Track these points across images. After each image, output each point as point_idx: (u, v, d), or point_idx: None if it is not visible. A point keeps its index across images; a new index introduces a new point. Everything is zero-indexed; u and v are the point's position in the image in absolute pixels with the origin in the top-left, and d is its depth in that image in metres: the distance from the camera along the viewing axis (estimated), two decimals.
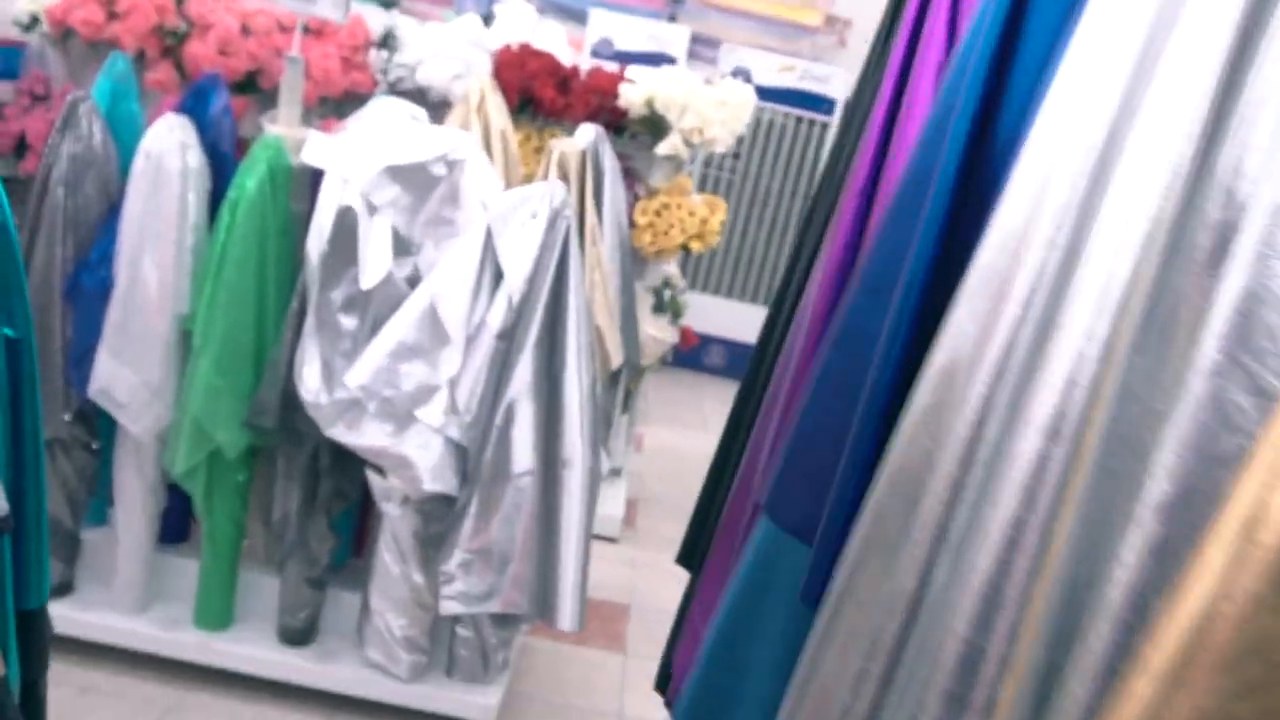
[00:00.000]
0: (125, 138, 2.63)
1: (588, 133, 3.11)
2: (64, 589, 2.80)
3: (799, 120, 6.81)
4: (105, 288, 2.53)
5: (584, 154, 2.95)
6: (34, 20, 3.89)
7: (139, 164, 2.52)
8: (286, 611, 2.80)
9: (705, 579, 1.35)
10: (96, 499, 2.83)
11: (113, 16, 3.82)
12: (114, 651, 2.79)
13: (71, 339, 2.58)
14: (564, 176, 2.86)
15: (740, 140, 5.05)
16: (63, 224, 2.52)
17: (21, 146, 3.92)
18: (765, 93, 6.55)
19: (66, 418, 2.63)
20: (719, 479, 1.43)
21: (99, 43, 3.82)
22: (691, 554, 1.47)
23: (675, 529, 4.47)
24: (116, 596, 2.79)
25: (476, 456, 2.56)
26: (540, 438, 2.57)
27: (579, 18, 6.68)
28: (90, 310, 2.55)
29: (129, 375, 2.55)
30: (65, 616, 2.73)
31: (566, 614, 2.60)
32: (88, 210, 2.55)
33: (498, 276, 2.57)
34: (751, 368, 1.46)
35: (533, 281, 2.54)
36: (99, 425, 2.70)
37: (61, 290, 2.54)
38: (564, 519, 2.59)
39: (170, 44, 3.86)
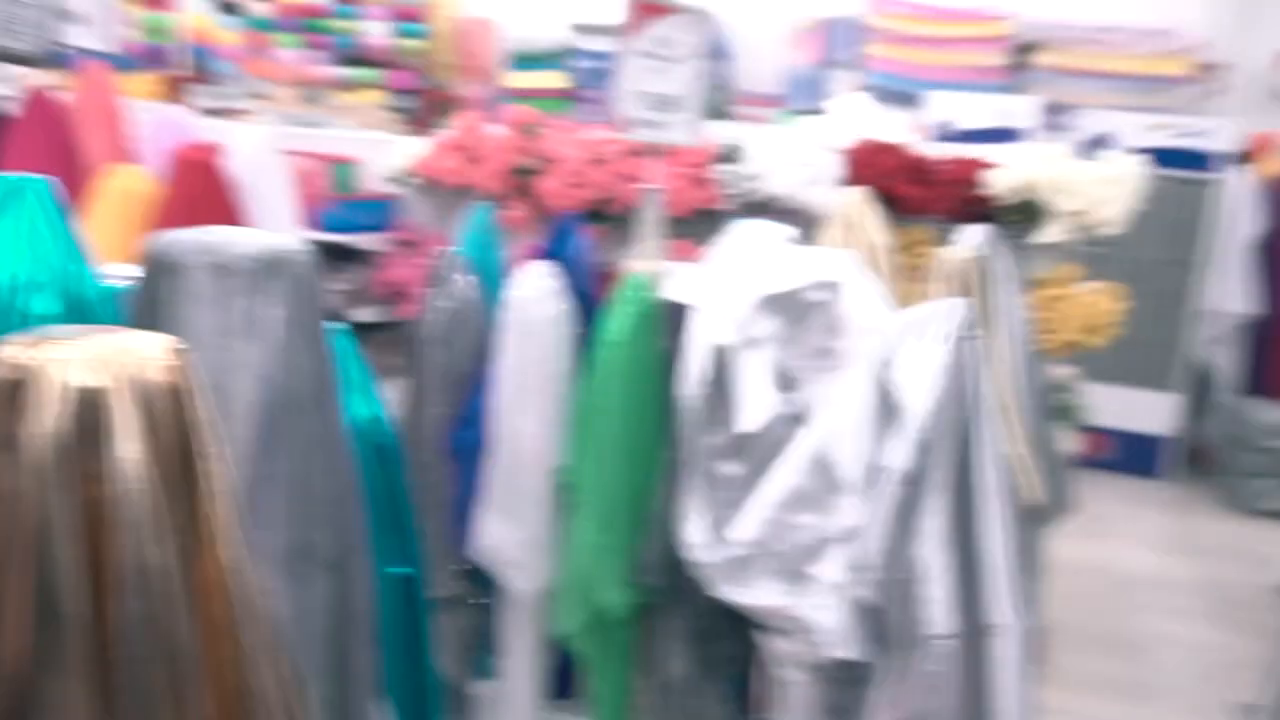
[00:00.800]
0: (492, 287, 2.59)
1: (976, 235, 2.75)
2: None
3: (1176, 181, 6.05)
4: (482, 443, 2.47)
5: (975, 261, 2.59)
6: (405, 173, 4.09)
7: (507, 315, 2.45)
8: None
9: None
10: (485, 654, 2.78)
11: (472, 162, 3.93)
12: None
13: (454, 496, 2.54)
14: (957, 289, 2.52)
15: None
16: (440, 381, 2.49)
17: (397, 293, 4.10)
18: (1133, 155, 5.90)
19: (453, 575, 2.59)
20: None
21: (460, 188, 3.95)
22: None
23: (1098, 665, 3.90)
24: None
25: (884, 618, 2.23)
26: (958, 597, 2.20)
27: (910, 101, 6.34)
28: (470, 466, 2.50)
29: (510, 532, 2.47)
30: None
31: None
32: (462, 365, 2.52)
33: (893, 410, 2.25)
34: None
35: (938, 414, 2.20)
36: (485, 582, 2.64)
37: (442, 448, 2.51)
38: (996, 694, 2.19)
39: (523, 182, 3.91)
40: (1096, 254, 6.46)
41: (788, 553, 2.23)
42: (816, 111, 5.00)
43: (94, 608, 0.64)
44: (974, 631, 2.22)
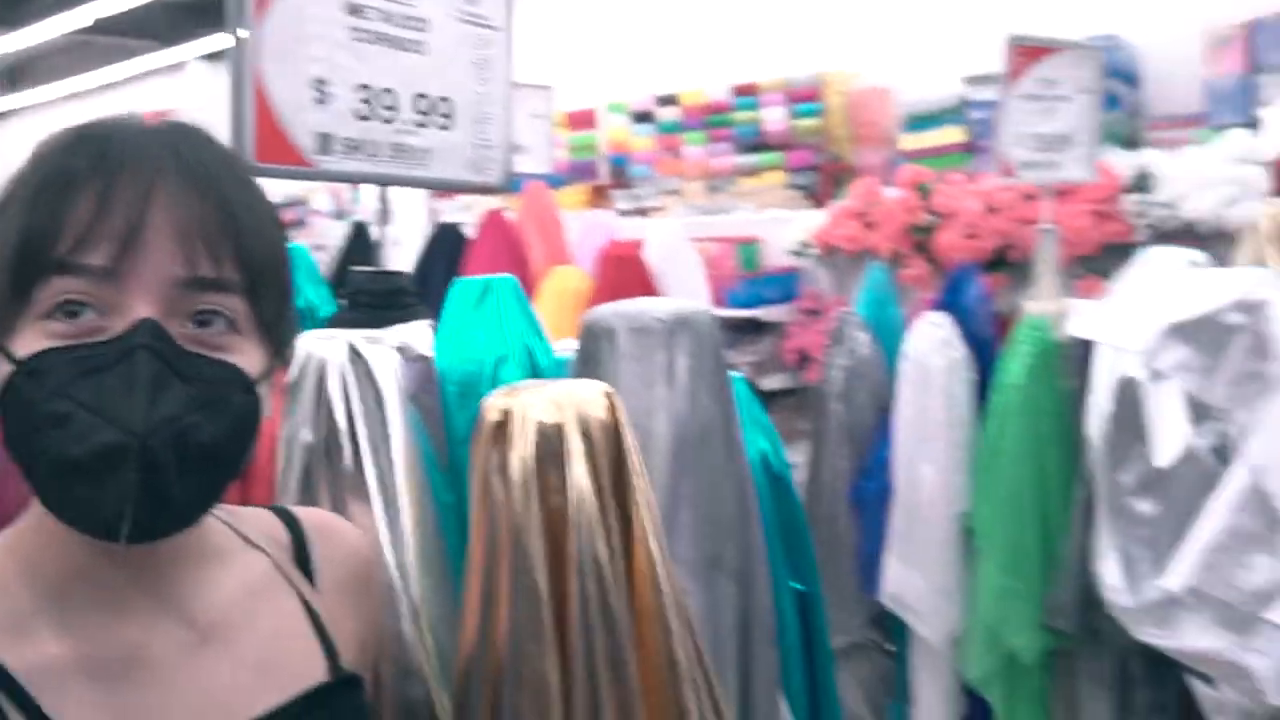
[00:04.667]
0: (890, 343, 2.70)
1: None
2: None
3: None
4: (886, 493, 2.57)
5: None
6: (805, 245, 4.31)
7: (904, 367, 2.55)
8: None
9: None
10: (896, 701, 2.83)
11: (868, 226, 4.07)
12: None
13: (860, 545, 2.64)
14: None
15: None
16: (842, 435, 2.63)
17: (803, 359, 4.30)
18: None
19: (860, 621, 2.68)
20: None
21: (858, 253, 4.10)
22: None
23: None
24: None
25: None
26: None
27: None
28: (874, 516, 2.60)
29: (916, 579, 2.52)
30: None
31: None
32: (862, 419, 2.63)
33: None
34: None
35: None
36: (893, 628, 2.71)
37: (846, 498, 2.63)
38: None
39: (920, 239, 3.99)
40: None
41: (1233, 598, 2.09)
42: (1246, 125, 4.60)
43: (556, 590, 0.85)
44: None
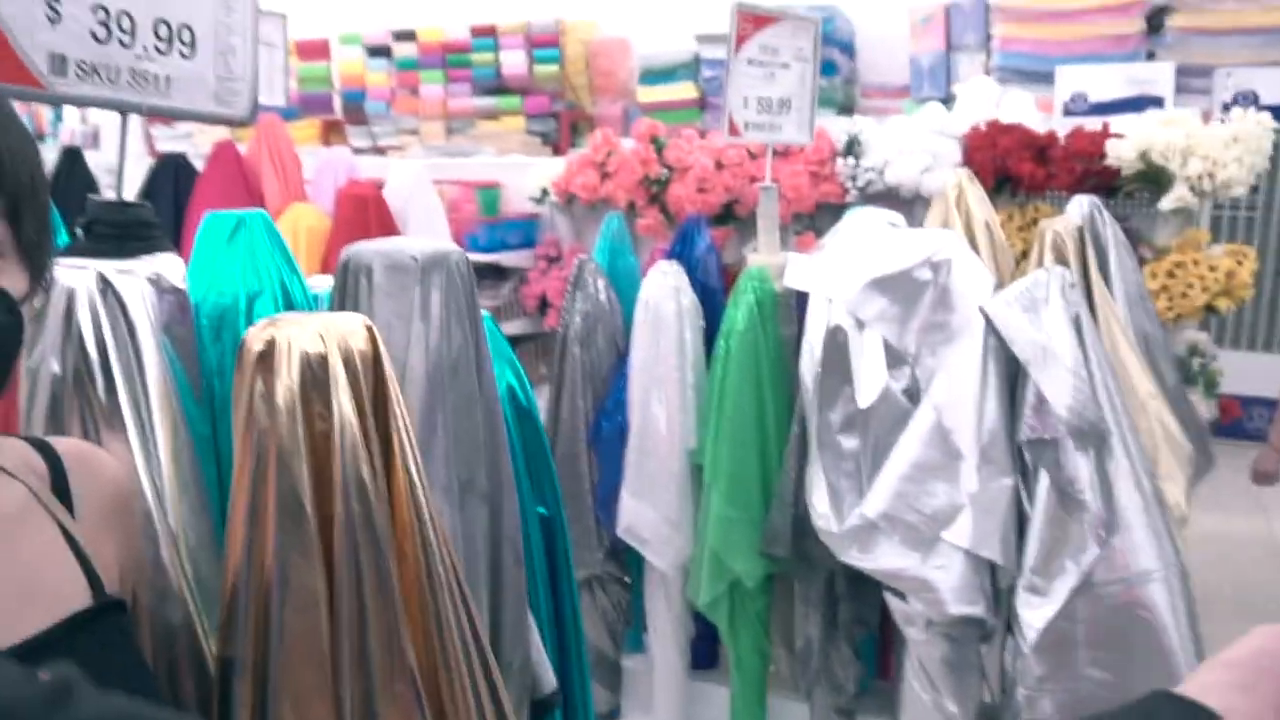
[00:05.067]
0: (626, 289, 2.83)
1: (1080, 205, 2.83)
2: (610, 715, 2.97)
3: None
4: (622, 432, 2.70)
5: (1080, 230, 2.69)
6: (544, 193, 4.39)
7: (639, 313, 2.68)
8: None
9: None
10: (633, 629, 3.00)
11: (605, 177, 4.20)
12: None
13: (597, 482, 2.78)
14: (1060, 258, 2.62)
15: (1258, 174, 4.40)
16: (581, 377, 2.74)
17: (543, 305, 4.40)
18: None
19: (600, 555, 2.82)
20: None
21: (596, 202, 4.22)
22: None
23: (1242, 631, 3.86)
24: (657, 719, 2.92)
25: (1009, 577, 2.35)
26: (1099, 550, 2.30)
27: (1044, 79, 6.27)
28: (611, 454, 2.73)
29: (649, 512, 2.68)
30: None
31: None
32: (601, 362, 2.75)
33: (1006, 377, 2.38)
34: None
35: (1058, 375, 2.31)
36: (629, 560, 2.87)
37: (585, 438, 2.75)
38: (1164, 639, 2.25)
39: (655, 191, 4.15)
40: (1241, 217, 6.28)
41: (918, 522, 2.37)
42: (944, 99, 5.06)
43: (321, 511, 0.89)
44: (1120, 577, 2.29)
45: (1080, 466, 2.28)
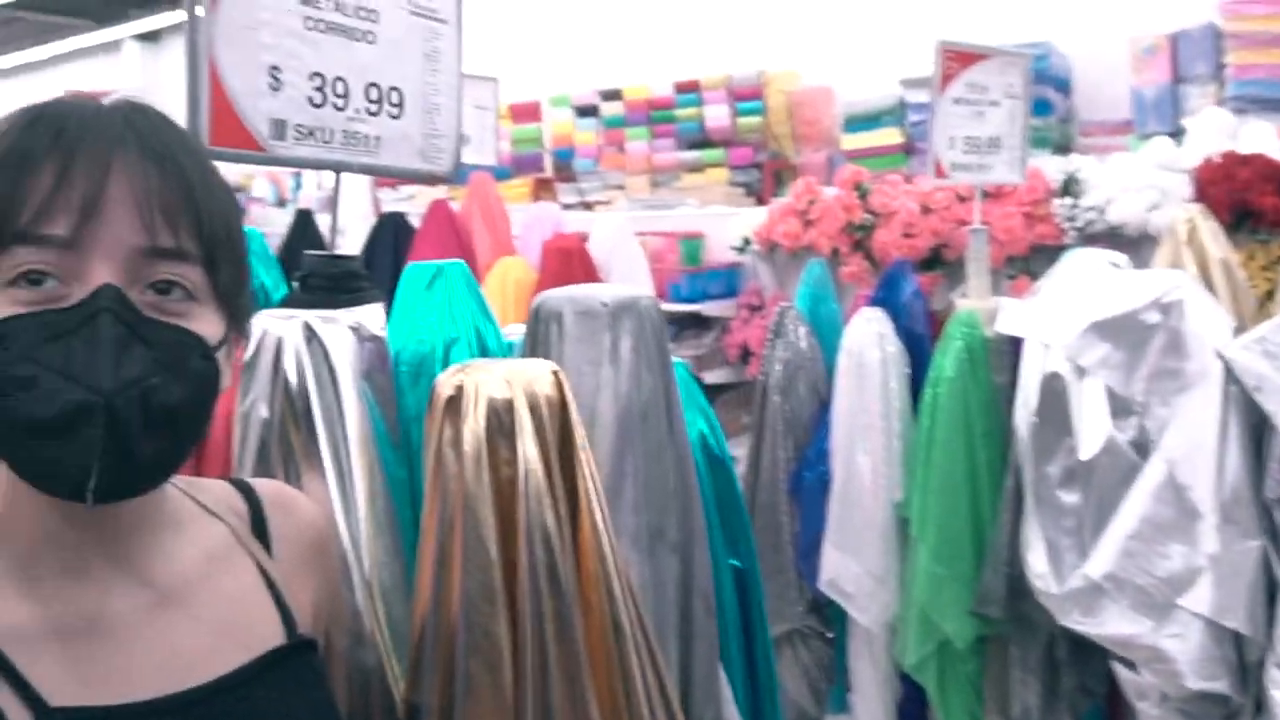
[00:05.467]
0: (828, 337, 2.77)
1: None
2: None
3: None
4: (824, 482, 2.63)
5: None
6: (746, 241, 4.38)
7: (842, 360, 2.62)
8: None
9: None
10: (836, 687, 2.90)
11: (808, 224, 4.15)
12: None
13: (799, 533, 2.71)
14: None
15: None
16: (782, 426, 2.69)
17: (745, 354, 4.37)
18: None
19: (801, 609, 2.74)
20: None
21: (798, 250, 4.18)
22: None
23: None
24: None
25: (1260, 650, 2.13)
26: None
27: None
28: (813, 505, 2.66)
29: (853, 565, 2.59)
30: None
31: None
32: (802, 410, 2.70)
33: (1250, 429, 2.17)
34: None
35: None
36: (832, 615, 2.78)
37: (786, 488, 2.69)
38: None
39: (859, 238, 4.07)
40: None
41: (1150, 585, 2.19)
42: (1172, 133, 4.75)
43: (506, 556, 0.89)
44: None
45: None
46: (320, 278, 1.25)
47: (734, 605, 1.23)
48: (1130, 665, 2.27)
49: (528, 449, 0.90)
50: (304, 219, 3.03)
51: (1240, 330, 2.30)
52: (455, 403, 0.90)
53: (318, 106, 1.33)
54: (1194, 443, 2.20)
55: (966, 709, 2.58)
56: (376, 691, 0.93)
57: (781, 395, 2.69)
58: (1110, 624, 2.23)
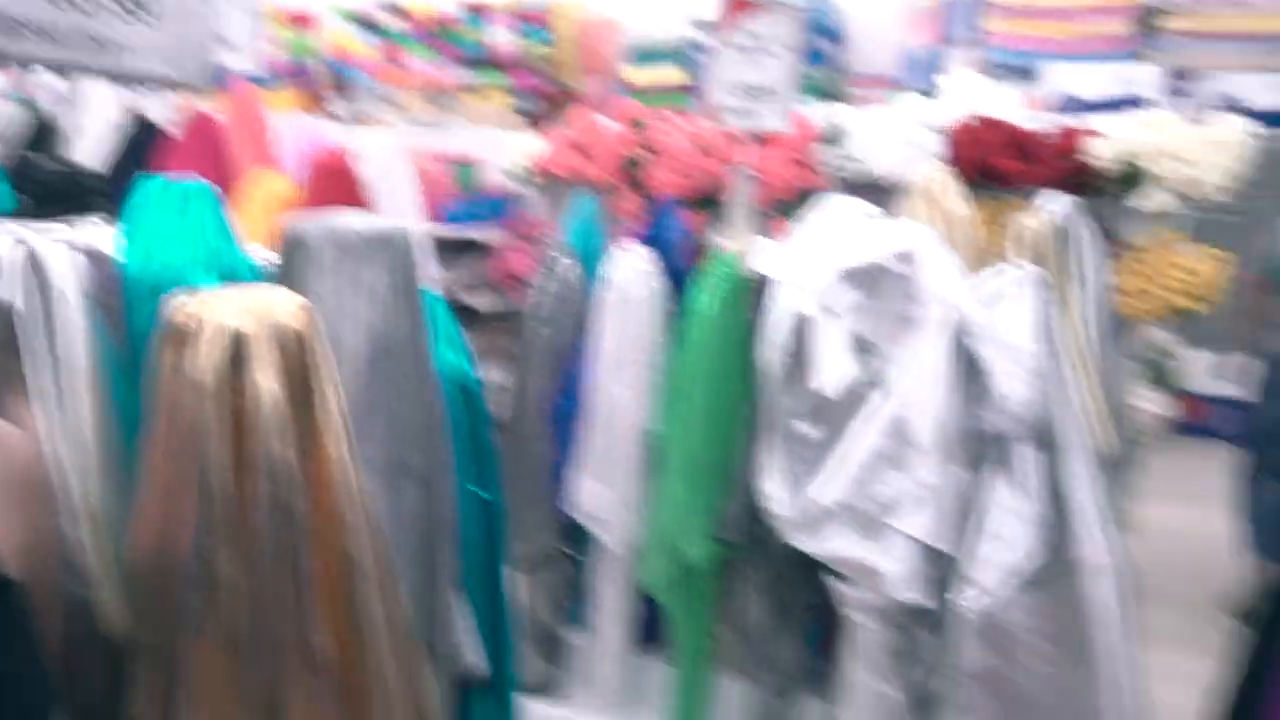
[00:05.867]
0: (596, 271, 2.81)
1: (1057, 203, 2.83)
2: (553, 689, 2.99)
3: None
4: (582, 412, 2.69)
5: (1055, 228, 2.69)
6: (521, 169, 4.36)
7: (606, 294, 2.67)
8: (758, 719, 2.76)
9: None
10: (580, 604, 3.02)
11: (585, 156, 4.17)
12: None
13: (556, 461, 2.77)
14: (1035, 255, 2.62)
15: (1236, 179, 4.40)
16: (546, 356, 2.73)
17: (514, 281, 4.38)
18: (1267, 118, 5.70)
19: (553, 532, 2.83)
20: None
21: (574, 182, 4.19)
22: None
23: (1182, 625, 3.90)
24: (599, 696, 2.94)
25: (958, 567, 2.36)
26: (1044, 543, 2.32)
27: (1034, 76, 6.26)
28: (570, 433, 2.73)
29: (606, 493, 2.68)
30: (556, 716, 2.91)
31: None
32: (566, 342, 2.75)
33: (968, 371, 2.38)
34: None
35: (1022, 371, 2.32)
36: (581, 538, 2.88)
37: (546, 417, 2.74)
38: (1101, 634, 2.28)
39: (634, 173, 4.13)
40: (1209, 220, 6.30)
41: (872, 510, 2.37)
42: (930, 91, 5.04)
43: (238, 490, 0.88)
44: (1063, 571, 2.32)
45: (1030, 463, 2.29)
46: (48, 187, 1.17)
47: (477, 535, 1.26)
48: (848, 581, 2.47)
49: (265, 381, 0.89)
50: (40, 118, 2.79)
51: (969, 281, 2.50)
52: (189, 331, 0.88)
53: (60, 9, 1.23)
54: (919, 382, 2.39)
55: (701, 624, 2.74)
56: (91, 626, 0.91)
57: (546, 325, 2.72)
58: (833, 545, 2.41)
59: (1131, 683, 2.29)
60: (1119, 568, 2.32)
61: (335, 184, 2.97)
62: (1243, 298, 4.40)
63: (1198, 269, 3.58)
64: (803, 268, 2.51)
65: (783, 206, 4.14)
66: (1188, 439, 5.98)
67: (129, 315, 1.14)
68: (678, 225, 2.84)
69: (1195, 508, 5.25)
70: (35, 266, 1.01)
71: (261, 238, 1.52)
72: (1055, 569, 2.35)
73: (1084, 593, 2.31)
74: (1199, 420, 4.58)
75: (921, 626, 2.44)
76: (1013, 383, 2.31)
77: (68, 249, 1.05)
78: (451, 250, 4.27)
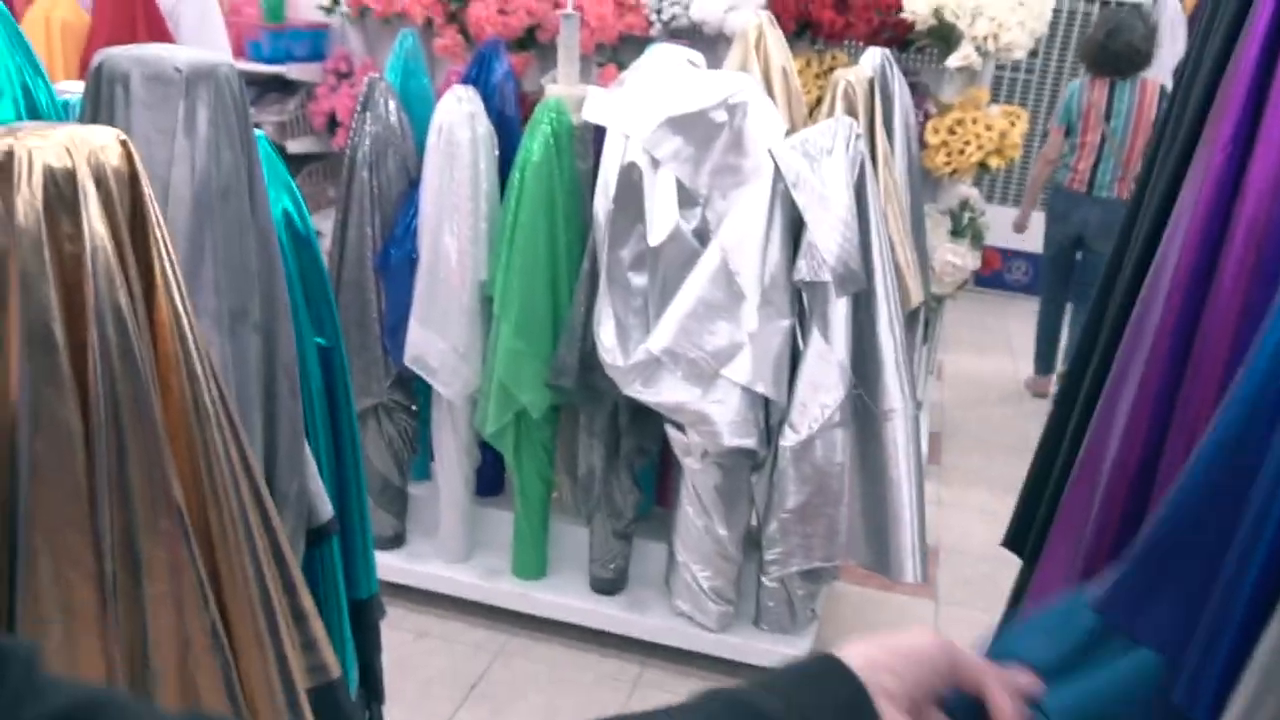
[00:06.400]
0: (419, 112, 2.72)
1: (873, 58, 2.90)
2: (396, 541, 3.02)
3: (1106, 5, 6.12)
4: (411, 260, 2.65)
5: (870, 82, 2.76)
6: (334, 2, 4.11)
7: (432, 138, 2.59)
8: (596, 562, 2.88)
9: (1041, 575, 1.21)
10: (419, 457, 3.02)
11: None
12: (442, 599, 2.98)
13: (385, 311, 2.73)
14: (850, 108, 2.69)
15: (1038, 39, 4.61)
16: (370, 203, 2.64)
17: (332, 123, 4.18)
18: None
19: (386, 384, 2.80)
20: (1054, 453, 1.27)
21: (391, 16, 3.99)
22: (1023, 539, 1.33)
23: (983, 462, 4.28)
24: (441, 546, 2.98)
25: (781, 412, 2.50)
26: (854, 388, 2.47)
27: None
28: (400, 282, 2.68)
29: (438, 342, 2.66)
30: (398, 567, 2.94)
31: (908, 566, 2.50)
32: (390, 187, 2.66)
33: (790, 222, 2.46)
34: (1093, 312, 1.27)
35: (831, 223, 2.41)
36: (416, 389, 2.86)
37: (373, 265, 2.68)
38: (893, 469, 2.47)
39: (454, 9, 3.97)
40: (1015, 80, 6.60)
41: (699, 358, 2.46)
42: None
43: (73, 338, 0.84)
44: (870, 415, 2.49)
45: (838, 310, 2.42)
46: None
47: (319, 382, 1.24)
48: (679, 427, 2.57)
49: (94, 223, 0.84)
50: None
51: (791, 133, 2.56)
52: (4, 170, 0.81)
53: None
54: (744, 233, 2.46)
55: (539, 471, 2.80)
56: None
57: (369, 170, 2.62)
58: (666, 392, 2.50)
59: (917, 510, 2.51)
60: (912, 411, 2.51)
61: (130, 10, 2.73)
62: (1047, 144, 4.78)
63: (1000, 127, 3.77)
64: (631, 116, 2.50)
65: (607, 51, 4.09)
66: (987, 291, 6.42)
67: None
68: (502, 68, 2.76)
69: (993, 355, 5.67)
70: None
71: (48, 69, 1.40)
72: (860, 412, 2.51)
73: (885, 433, 2.50)
74: (994, 272, 4.90)
75: (748, 467, 2.58)
76: (827, 234, 2.40)
77: None
78: (263, 88, 4.02)
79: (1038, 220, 4.96)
